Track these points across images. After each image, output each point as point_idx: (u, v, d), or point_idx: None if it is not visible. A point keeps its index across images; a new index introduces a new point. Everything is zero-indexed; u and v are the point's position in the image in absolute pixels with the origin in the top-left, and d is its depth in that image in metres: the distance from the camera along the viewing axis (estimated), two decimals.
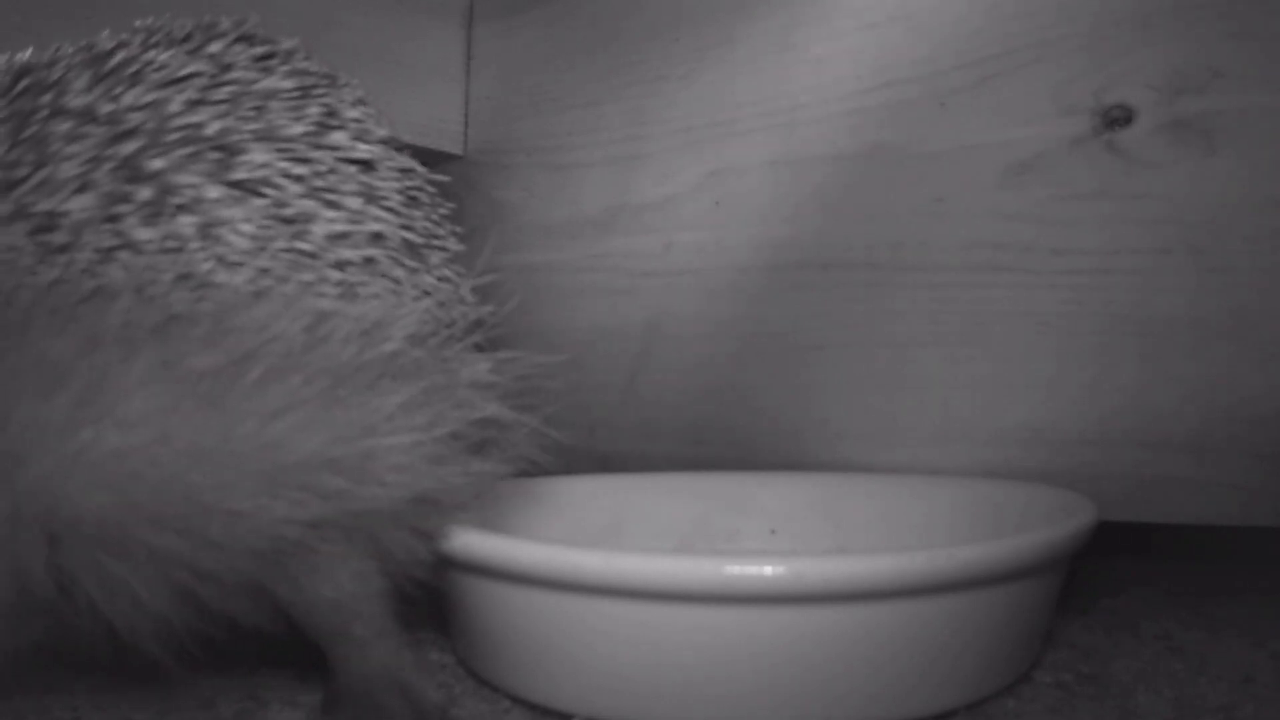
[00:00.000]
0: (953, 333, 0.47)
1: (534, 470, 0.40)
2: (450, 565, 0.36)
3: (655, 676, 0.32)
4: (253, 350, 0.31)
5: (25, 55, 0.35)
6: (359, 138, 0.38)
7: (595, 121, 0.57)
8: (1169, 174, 0.43)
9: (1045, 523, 0.36)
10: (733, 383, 0.53)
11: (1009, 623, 0.35)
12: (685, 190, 0.54)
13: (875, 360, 0.49)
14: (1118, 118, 0.44)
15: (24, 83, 0.33)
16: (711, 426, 0.54)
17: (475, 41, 0.64)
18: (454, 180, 0.45)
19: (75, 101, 0.33)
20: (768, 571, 0.31)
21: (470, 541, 0.35)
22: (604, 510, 0.47)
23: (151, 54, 0.35)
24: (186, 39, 0.37)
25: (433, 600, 0.41)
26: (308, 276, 0.34)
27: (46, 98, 0.33)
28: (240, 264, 0.33)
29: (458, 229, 0.43)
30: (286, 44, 0.39)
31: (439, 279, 0.39)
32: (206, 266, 0.32)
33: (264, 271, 0.33)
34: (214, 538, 0.30)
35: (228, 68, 0.36)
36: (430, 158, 0.43)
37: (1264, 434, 0.42)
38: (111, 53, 0.35)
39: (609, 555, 0.32)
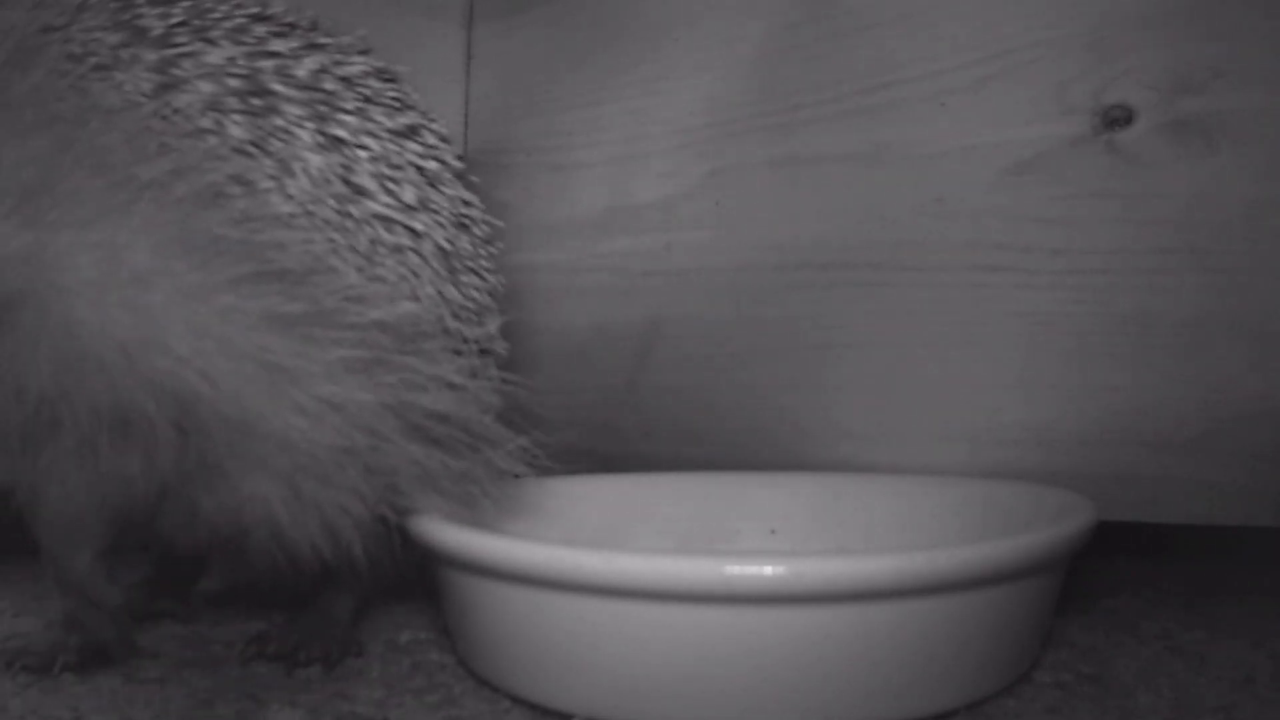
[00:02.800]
0: (953, 333, 0.47)
1: (534, 470, 0.40)
2: (450, 564, 0.36)
3: (655, 676, 0.32)
4: (252, 252, 0.34)
5: None
6: (432, 156, 0.42)
7: (595, 121, 0.57)
8: (1169, 174, 0.43)
9: (1045, 523, 0.36)
10: (733, 382, 0.53)
11: (1009, 623, 0.35)
12: (685, 190, 0.54)
13: (875, 360, 0.49)
14: (1118, 118, 0.44)
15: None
16: (711, 426, 0.54)
17: (475, 42, 0.64)
18: None
19: (235, 22, 0.39)
20: (768, 571, 0.31)
21: (471, 541, 0.35)
22: (604, 510, 0.47)
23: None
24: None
25: (433, 600, 0.41)
26: (338, 237, 0.37)
27: (220, 11, 0.40)
28: (293, 197, 0.37)
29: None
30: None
31: (464, 296, 0.42)
32: (266, 185, 0.36)
33: (308, 214, 0.37)
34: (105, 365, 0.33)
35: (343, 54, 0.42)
36: None
37: (1264, 434, 0.42)
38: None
39: (609, 555, 0.32)
